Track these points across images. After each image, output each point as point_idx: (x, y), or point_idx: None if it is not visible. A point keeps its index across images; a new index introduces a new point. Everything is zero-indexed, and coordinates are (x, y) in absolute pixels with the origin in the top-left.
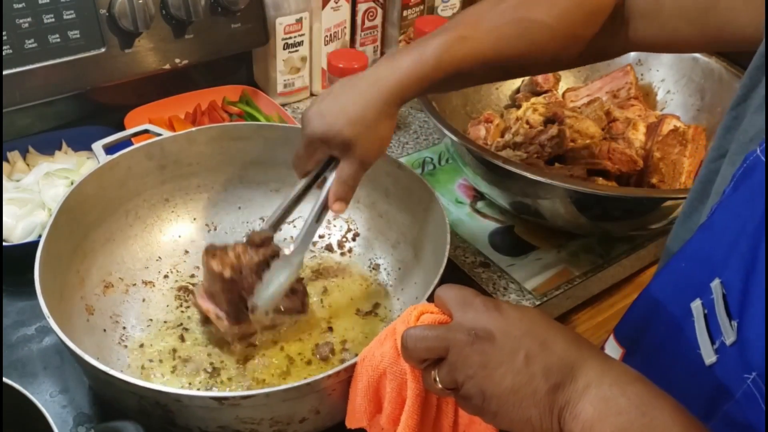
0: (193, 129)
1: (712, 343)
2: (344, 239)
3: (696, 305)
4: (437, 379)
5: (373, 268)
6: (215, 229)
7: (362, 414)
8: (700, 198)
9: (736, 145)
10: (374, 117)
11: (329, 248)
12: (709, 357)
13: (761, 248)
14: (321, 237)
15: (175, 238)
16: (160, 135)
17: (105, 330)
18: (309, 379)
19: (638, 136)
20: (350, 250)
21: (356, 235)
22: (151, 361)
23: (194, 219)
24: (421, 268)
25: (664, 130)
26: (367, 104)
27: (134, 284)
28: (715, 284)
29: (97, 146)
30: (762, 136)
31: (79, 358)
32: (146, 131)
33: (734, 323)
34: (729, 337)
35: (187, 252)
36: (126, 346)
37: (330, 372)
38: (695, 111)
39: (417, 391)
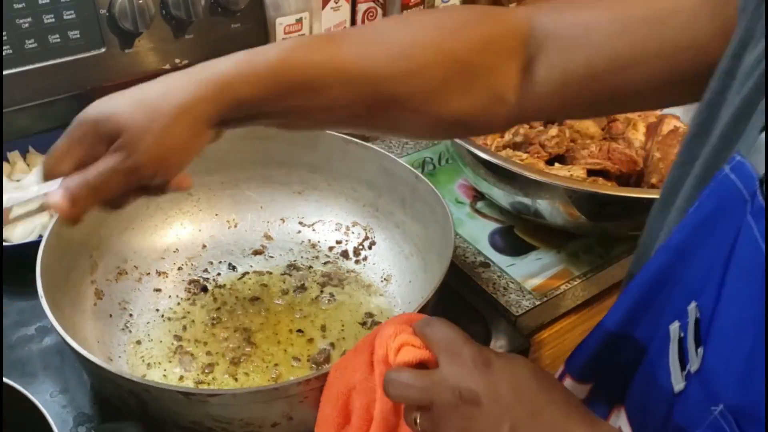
0: None
1: (683, 369)
2: (360, 247)
3: (674, 327)
4: (417, 422)
5: (385, 279)
6: (235, 227)
7: (331, 424)
8: (666, 209)
9: (702, 160)
10: (171, 111)
11: (345, 254)
12: (677, 383)
13: (730, 274)
14: (338, 242)
15: (195, 232)
16: None
17: (111, 315)
18: (277, 384)
19: (638, 136)
20: (365, 258)
21: (373, 243)
22: (149, 350)
23: (216, 215)
24: (428, 282)
25: (664, 130)
26: (168, 92)
27: (148, 273)
28: (692, 307)
29: None
30: (731, 153)
31: (62, 337)
32: None
33: (700, 350)
34: (693, 364)
35: (204, 246)
36: (129, 333)
37: (300, 379)
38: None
39: (384, 413)
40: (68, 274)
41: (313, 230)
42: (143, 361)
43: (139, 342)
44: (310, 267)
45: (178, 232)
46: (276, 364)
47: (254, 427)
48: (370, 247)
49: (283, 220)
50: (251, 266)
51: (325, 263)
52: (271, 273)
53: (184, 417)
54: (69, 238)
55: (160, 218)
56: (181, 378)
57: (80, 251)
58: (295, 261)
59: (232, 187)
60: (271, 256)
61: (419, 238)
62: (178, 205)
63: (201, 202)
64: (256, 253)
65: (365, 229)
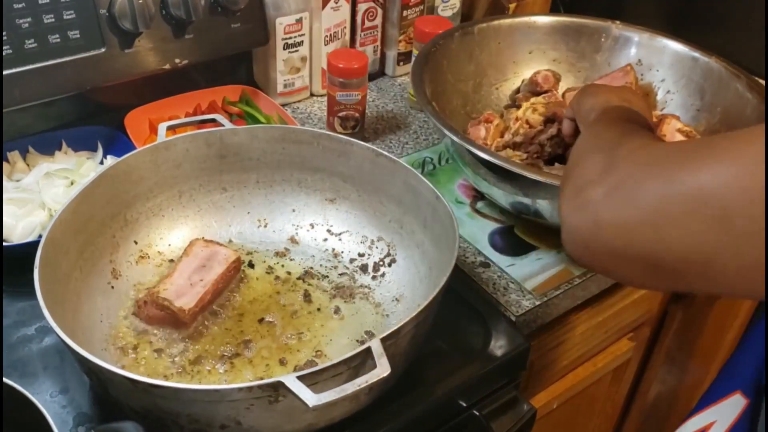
0: (256, 126)
1: None
2: (381, 263)
3: None
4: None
5: (396, 299)
6: (265, 226)
7: None
8: None
9: None
10: None
11: (364, 268)
12: None
13: None
14: (360, 255)
15: (225, 227)
16: (223, 126)
17: (123, 295)
18: (218, 387)
19: None
20: (383, 275)
21: (393, 261)
22: (149, 335)
23: (248, 213)
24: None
25: (664, 130)
26: None
27: (171, 260)
28: None
29: (162, 126)
30: None
31: (45, 315)
32: (214, 120)
33: None
34: None
35: (230, 241)
36: (134, 313)
37: (242, 385)
38: (695, 111)
39: None
40: (83, 249)
41: (339, 240)
42: (141, 344)
43: (141, 325)
44: (326, 276)
45: (210, 225)
46: (259, 370)
47: (201, 425)
48: (390, 265)
49: (312, 225)
50: (269, 267)
51: (341, 274)
52: (285, 277)
53: (136, 403)
54: (89, 215)
55: (192, 209)
56: (167, 366)
57: (101, 230)
58: (312, 268)
59: (267, 187)
60: (292, 260)
61: (434, 260)
62: (211, 198)
63: (235, 199)
64: (278, 254)
65: (389, 246)
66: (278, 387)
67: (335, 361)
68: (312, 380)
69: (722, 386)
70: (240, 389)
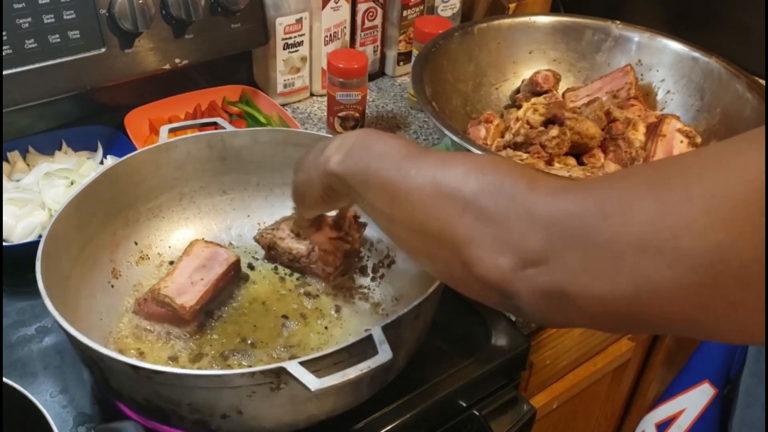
0: (258, 128)
1: None
2: (380, 264)
3: None
4: None
5: (396, 299)
6: None
7: None
8: None
9: None
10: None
11: (362, 270)
12: None
13: None
14: (360, 257)
15: (225, 230)
16: (224, 129)
17: (122, 295)
18: (219, 372)
19: (638, 136)
20: (382, 276)
21: (392, 262)
22: (148, 333)
23: (248, 216)
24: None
25: (664, 130)
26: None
27: (171, 262)
28: None
29: (164, 129)
30: None
31: (45, 303)
32: (215, 123)
33: None
34: None
35: (231, 244)
36: (135, 314)
37: (245, 370)
38: (695, 111)
39: None
40: (83, 247)
41: None
42: (140, 342)
43: (140, 325)
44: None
45: (210, 227)
46: (256, 363)
47: (203, 415)
48: (389, 266)
49: None
50: (269, 269)
51: (341, 275)
52: (286, 278)
53: (137, 392)
54: (91, 212)
55: (193, 211)
56: (168, 363)
57: (102, 227)
58: None
59: (267, 190)
60: None
61: None
62: (211, 201)
63: (235, 201)
64: None
65: (388, 247)
66: (280, 373)
67: (337, 348)
68: (314, 367)
69: (691, 375)
70: (242, 375)
